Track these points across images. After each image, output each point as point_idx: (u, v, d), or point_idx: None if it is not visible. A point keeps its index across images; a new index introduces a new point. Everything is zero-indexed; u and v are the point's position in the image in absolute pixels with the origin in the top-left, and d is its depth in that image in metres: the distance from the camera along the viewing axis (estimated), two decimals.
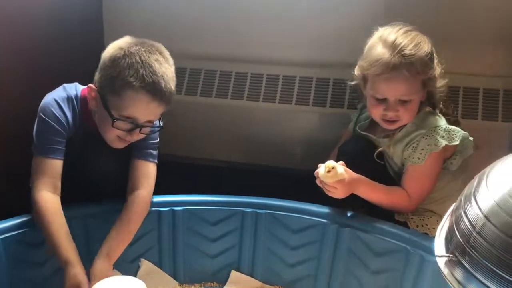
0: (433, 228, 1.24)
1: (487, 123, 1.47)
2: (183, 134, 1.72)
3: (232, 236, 1.32)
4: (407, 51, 1.16)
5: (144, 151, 1.28)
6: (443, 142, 1.17)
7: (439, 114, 1.24)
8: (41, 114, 1.21)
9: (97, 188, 1.28)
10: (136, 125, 1.18)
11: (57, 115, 1.21)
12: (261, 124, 1.71)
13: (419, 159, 1.20)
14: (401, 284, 1.14)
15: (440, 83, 1.23)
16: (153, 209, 1.29)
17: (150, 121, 1.20)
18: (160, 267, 1.30)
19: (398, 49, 1.16)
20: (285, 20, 1.66)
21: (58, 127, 1.21)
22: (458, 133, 1.19)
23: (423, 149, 1.19)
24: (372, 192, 1.22)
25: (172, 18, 1.73)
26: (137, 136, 1.21)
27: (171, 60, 1.21)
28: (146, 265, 1.29)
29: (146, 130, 1.21)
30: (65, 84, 1.28)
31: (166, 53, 1.20)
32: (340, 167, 1.16)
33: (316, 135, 1.65)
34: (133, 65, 1.14)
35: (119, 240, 1.17)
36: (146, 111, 1.17)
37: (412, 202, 1.22)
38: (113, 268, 1.24)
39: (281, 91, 1.67)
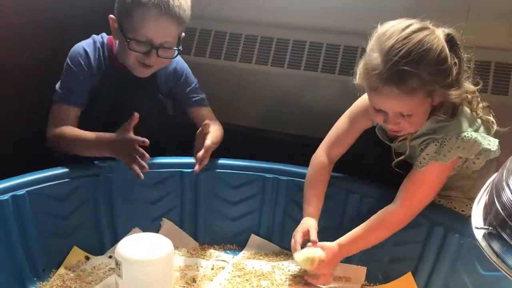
0: (462, 210, 1.18)
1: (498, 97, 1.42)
2: None
3: (253, 201, 1.33)
4: (401, 66, 0.97)
5: (192, 99, 1.39)
6: (454, 155, 1.05)
7: (465, 110, 1.09)
8: (68, 61, 1.28)
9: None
10: (151, 46, 1.22)
11: (82, 62, 1.27)
12: (279, 89, 1.70)
13: (420, 163, 1.08)
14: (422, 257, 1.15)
15: (463, 86, 1.05)
16: (177, 170, 1.30)
17: (167, 42, 1.24)
18: (181, 227, 1.31)
19: (392, 62, 0.98)
20: None
21: (81, 76, 1.26)
22: (479, 145, 1.04)
23: (427, 154, 1.08)
24: (359, 243, 1.12)
25: None
26: (156, 59, 1.24)
27: None
28: (167, 224, 1.30)
29: (164, 53, 1.24)
30: (93, 35, 1.34)
31: None
32: (312, 251, 1.10)
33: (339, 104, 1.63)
34: None
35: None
36: (157, 28, 1.20)
37: (400, 211, 1.10)
38: (135, 226, 1.27)
39: (307, 57, 1.65)
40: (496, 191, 0.69)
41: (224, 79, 1.71)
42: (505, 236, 0.64)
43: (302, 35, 1.66)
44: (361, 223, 1.14)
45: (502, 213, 0.65)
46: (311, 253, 1.10)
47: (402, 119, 1.06)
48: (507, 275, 0.65)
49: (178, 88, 1.40)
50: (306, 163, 1.32)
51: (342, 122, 1.25)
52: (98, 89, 1.29)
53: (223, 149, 1.38)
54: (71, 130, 1.24)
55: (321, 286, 1.15)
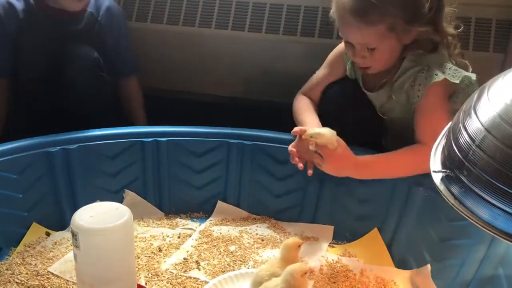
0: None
1: (479, 53, 1.44)
2: (164, 66, 1.67)
3: (218, 167, 1.30)
4: None
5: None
6: (442, 76, 1.07)
7: (443, 52, 1.12)
8: None
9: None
10: None
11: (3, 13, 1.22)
12: (246, 55, 1.65)
13: (418, 96, 1.10)
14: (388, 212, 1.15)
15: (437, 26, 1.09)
16: (137, 139, 1.26)
17: None
18: (145, 198, 1.28)
19: None
20: None
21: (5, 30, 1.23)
22: (459, 73, 1.09)
23: (420, 85, 1.10)
24: (377, 167, 1.09)
25: None
26: None
27: None
28: (130, 195, 1.26)
29: None
30: None
31: None
32: (326, 130, 1.05)
33: (304, 67, 1.60)
34: None
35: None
36: None
37: (430, 147, 1.11)
38: (96, 200, 1.23)
39: (268, 21, 1.61)
40: (453, 133, 0.67)
41: (180, 45, 1.66)
42: (463, 178, 0.63)
43: None
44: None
45: (459, 154, 0.64)
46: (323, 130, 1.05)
47: (367, 53, 1.09)
48: (467, 217, 0.64)
49: (115, 28, 1.40)
50: (271, 128, 1.30)
51: (320, 69, 1.29)
52: (27, 41, 1.25)
53: (184, 118, 1.35)
54: None
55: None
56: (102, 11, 1.37)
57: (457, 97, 1.13)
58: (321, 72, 1.29)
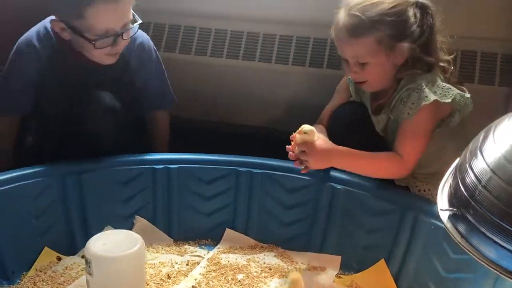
0: (436, 194, 1.22)
1: (484, 87, 1.47)
2: (176, 94, 1.71)
3: (227, 195, 1.32)
4: (352, 11, 1.13)
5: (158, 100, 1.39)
6: (433, 96, 1.12)
7: (439, 74, 1.18)
8: (11, 56, 1.25)
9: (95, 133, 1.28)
10: (116, 35, 1.18)
11: (28, 56, 1.22)
12: (256, 84, 1.69)
13: (409, 114, 1.15)
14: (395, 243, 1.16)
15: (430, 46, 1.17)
16: (148, 166, 1.29)
17: (126, 24, 1.20)
18: (155, 224, 1.30)
19: (347, 11, 1.14)
20: None
21: (25, 75, 1.24)
22: (452, 91, 1.14)
23: (413, 103, 1.14)
24: (355, 160, 1.17)
25: None
26: (123, 43, 1.21)
27: None
28: (140, 222, 1.28)
29: (128, 34, 1.21)
30: (35, 27, 1.28)
31: None
32: (307, 126, 1.15)
33: (311, 97, 1.64)
34: None
35: None
36: (116, 15, 1.16)
37: (405, 163, 1.16)
38: (107, 225, 1.25)
39: (278, 51, 1.65)
40: (460, 172, 0.70)
41: (194, 74, 1.70)
42: (469, 217, 0.65)
43: (272, 28, 1.66)
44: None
45: (466, 194, 0.66)
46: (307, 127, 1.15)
47: (359, 68, 1.17)
48: (472, 256, 0.66)
49: (147, 66, 1.36)
50: (279, 156, 1.32)
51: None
52: (50, 83, 1.26)
53: (195, 144, 1.38)
54: None
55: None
56: (134, 50, 1.32)
57: (453, 117, 1.18)
58: (331, 101, 1.37)
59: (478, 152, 0.67)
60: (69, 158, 1.23)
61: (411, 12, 1.14)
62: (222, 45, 1.69)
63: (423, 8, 1.15)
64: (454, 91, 1.14)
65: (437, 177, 1.21)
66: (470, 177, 0.66)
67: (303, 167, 1.19)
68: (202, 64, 1.70)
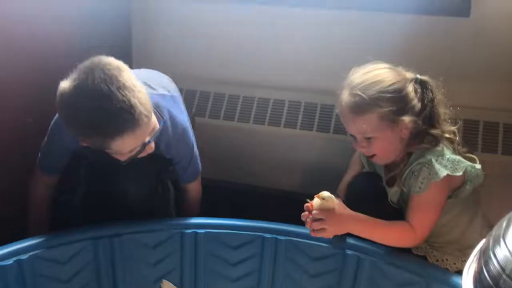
0: (454, 263, 1.24)
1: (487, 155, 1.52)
2: (218, 158, 1.81)
3: (252, 261, 1.34)
4: (353, 91, 1.18)
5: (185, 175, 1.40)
6: (444, 171, 1.15)
7: (447, 146, 1.22)
8: (52, 124, 1.31)
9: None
10: (143, 146, 1.18)
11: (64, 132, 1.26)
12: (278, 148, 1.77)
13: (420, 188, 1.18)
14: None
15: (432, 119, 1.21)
16: (176, 230, 1.32)
17: (149, 134, 1.18)
18: None
19: (349, 90, 1.20)
20: (293, 48, 1.77)
21: (60, 144, 1.30)
22: (462, 163, 1.17)
23: (424, 178, 1.17)
24: (370, 228, 1.20)
25: (196, 46, 1.85)
26: (150, 148, 1.22)
27: (118, 81, 1.08)
28: (167, 286, 1.31)
29: (152, 143, 1.20)
30: None
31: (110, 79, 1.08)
32: (326, 193, 1.19)
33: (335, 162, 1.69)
34: (93, 121, 1.09)
35: None
36: (137, 138, 1.14)
37: (417, 234, 1.19)
38: None
39: (302, 117, 1.74)
40: (484, 258, 0.71)
41: (223, 139, 1.77)
42: None
43: (297, 95, 1.75)
44: None
45: (490, 282, 0.68)
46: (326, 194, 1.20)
47: (366, 143, 1.22)
48: None
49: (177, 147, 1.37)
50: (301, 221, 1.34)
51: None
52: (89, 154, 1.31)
53: (220, 206, 1.42)
54: (33, 201, 1.37)
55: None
56: (166, 134, 1.31)
57: (464, 188, 1.21)
58: (346, 173, 1.43)
59: (501, 240, 0.69)
60: (102, 220, 1.28)
61: (410, 88, 1.19)
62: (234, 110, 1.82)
63: (422, 83, 1.21)
64: (465, 163, 1.17)
65: (455, 246, 1.25)
66: (494, 265, 0.68)
67: (318, 235, 1.21)
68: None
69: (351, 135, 1.26)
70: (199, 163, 1.46)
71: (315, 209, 1.20)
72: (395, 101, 1.17)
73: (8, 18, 1.39)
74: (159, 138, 1.26)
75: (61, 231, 1.24)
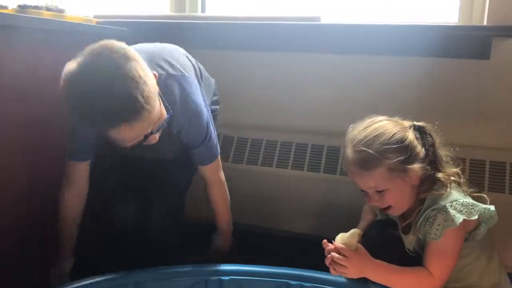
0: None
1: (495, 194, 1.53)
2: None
3: None
4: (356, 148, 1.20)
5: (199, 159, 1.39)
6: (460, 218, 1.15)
7: (457, 189, 1.22)
8: None
9: None
10: (145, 137, 1.16)
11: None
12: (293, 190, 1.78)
13: (436, 235, 1.17)
14: None
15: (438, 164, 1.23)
16: (202, 277, 1.31)
17: (153, 125, 1.15)
18: None
19: (353, 148, 1.21)
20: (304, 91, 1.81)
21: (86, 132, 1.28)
22: (477, 207, 1.17)
23: (439, 225, 1.17)
24: (389, 274, 1.20)
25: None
26: (154, 139, 1.19)
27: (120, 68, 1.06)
28: None
29: (155, 137, 1.18)
30: None
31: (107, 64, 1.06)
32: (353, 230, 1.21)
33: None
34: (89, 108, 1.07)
35: None
36: (135, 130, 1.11)
37: (435, 281, 1.18)
38: None
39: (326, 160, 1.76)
40: None
41: (246, 182, 1.80)
42: None
43: (322, 139, 1.77)
44: None
45: None
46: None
47: (378, 196, 1.22)
48: None
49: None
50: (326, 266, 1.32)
51: None
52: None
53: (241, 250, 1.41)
54: (63, 216, 1.34)
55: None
56: (176, 118, 1.29)
57: (479, 230, 1.20)
58: (359, 223, 1.44)
59: None
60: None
61: (411, 135, 1.21)
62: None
63: (420, 129, 1.23)
64: (479, 206, 1.17)
65: None
66: None
67: (338, 273, 1.21)
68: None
69: (362, 191, 1.26)
70: (217, 146, 1.42)
71: (340, 243, 1.20)
72: (401, 151, 1.18)
73: None
74: (170, 124, 1.24)
75: (87, 279, 1.23)
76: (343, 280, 1.27)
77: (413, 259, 1.26)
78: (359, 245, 1.21)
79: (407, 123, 1.24)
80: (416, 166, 1.19)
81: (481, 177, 1.59)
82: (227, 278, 1.32)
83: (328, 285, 1.29)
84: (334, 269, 1.21)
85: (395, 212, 1.27)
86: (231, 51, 1.84)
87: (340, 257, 1.19)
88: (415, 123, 1.24)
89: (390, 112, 1.28)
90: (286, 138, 1.83)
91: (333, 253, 1.21)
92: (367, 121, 1.24)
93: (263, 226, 1.84)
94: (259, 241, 1.76)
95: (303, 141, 1.82)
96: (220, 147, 1.45)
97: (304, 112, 1.81)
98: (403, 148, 1.19)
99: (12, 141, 1.38)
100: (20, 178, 1.42)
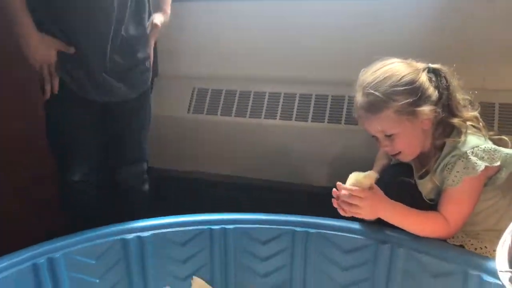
0: (494, 250, 1.18)
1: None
2: (202, 152, 1.86)
3: (283, 256, 1.31)
4: (366, 91, 1.17)
5: None
6: (482, 165, 1.11)
7: (476, 134, 1.17)
8: None
9: None
10: None
11: None
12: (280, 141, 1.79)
13: (453, 181, 1.14)
14: None
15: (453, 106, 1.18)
16: (205, 227, 1.31)
17: None
18: (212, 285, 1.31)
19: (362, 91, 1.18)
20: (301, 41, 1.78)
21: None
22: (499, 152, 1.13)
23: (458, 172, 1.13)
24: (404, 215, 1.17)
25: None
26: None
27: None
28: (198, 282, 1.30)
29: None
30: None
31: None
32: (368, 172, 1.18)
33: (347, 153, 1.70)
34: None
35: None
36: None
37: (450, 227, 1.15)
38: (166, 285, 1.28)
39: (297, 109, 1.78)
40: None
41: (222, 134, 1.82)
42: None
43: (293, 88, 1.79)
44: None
45: None
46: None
47: (388, 141, 1.19)
48: None
49: None
50: (314, 214, 1.32)
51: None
52: None
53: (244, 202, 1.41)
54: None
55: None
56: None
57: (500, 174, 1.16)
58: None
59: None
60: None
61: (423, 77, 1.16)
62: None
63: (435, 71, 1.18)
64: (502, 151, 1.13)
65: (493, 233, 1.19)
66: None
67: (350, 214, 1.19)
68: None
69: (372, 136, 1.23)
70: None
71: (352, 184, 1.17)
72: (410, 92, 1.15)
73: None
74: None
75: (91, 230, 1.24)
76: (349, 225, 1.27)
77: (427, 206, 1.23)
78: (375, 185, 1.18)
79: (421, 65, 1.19)
80: (426, 108, 1.14)
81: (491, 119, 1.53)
82: (231, 226, 1.32)
83: (334, 231, 1.28)
84: (344, 210, 1.18)
85: (405, 158, 1.24)
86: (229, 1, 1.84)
87: (353, 197, 1.15)
88: (430, 65, 1.19)
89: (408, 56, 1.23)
90: (289, 89, 1.82)
91: (343, 192, 1.17)
92: (379, 63, 1.20)
93: (274, 180, 1.82)
94: (272, 195, 1.77)
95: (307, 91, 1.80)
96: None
97: (307, 63, 1.78)
98: (412, 90, 1.15)
99: None
100: None
